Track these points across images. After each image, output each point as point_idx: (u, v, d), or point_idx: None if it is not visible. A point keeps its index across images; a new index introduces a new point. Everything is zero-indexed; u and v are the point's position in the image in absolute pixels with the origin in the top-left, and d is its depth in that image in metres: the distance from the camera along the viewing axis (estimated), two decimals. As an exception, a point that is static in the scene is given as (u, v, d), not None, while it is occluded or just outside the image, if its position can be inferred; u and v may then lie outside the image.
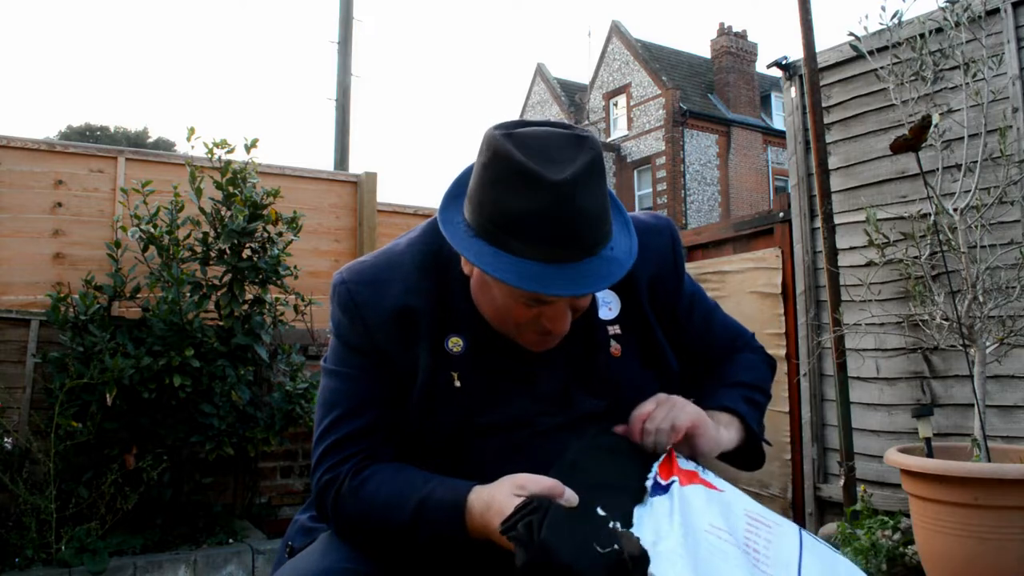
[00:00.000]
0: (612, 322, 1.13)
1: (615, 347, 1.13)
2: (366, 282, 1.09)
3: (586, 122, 24.47)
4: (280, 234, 3.97)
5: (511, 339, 1.07)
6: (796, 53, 3.84)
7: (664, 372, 1.16)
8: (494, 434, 1.07)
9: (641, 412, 1.07)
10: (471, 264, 1.02)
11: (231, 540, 3.68)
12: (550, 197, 0.90)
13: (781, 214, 4.24)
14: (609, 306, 1.14)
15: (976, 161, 2.84)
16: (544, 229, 0.91)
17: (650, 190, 22.75)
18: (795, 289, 4.05)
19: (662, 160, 22.44)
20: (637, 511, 0.94)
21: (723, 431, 1.13)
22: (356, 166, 14.10)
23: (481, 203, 0.95)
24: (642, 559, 0.86)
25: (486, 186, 0.95)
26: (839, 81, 3.79)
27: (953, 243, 2.84)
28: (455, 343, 1.08)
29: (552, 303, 0.98)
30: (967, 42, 2.96)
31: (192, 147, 3.66)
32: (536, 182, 0.90)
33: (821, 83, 3.67)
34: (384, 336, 1.06)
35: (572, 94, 26.84)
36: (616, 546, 0.88)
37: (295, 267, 4.00)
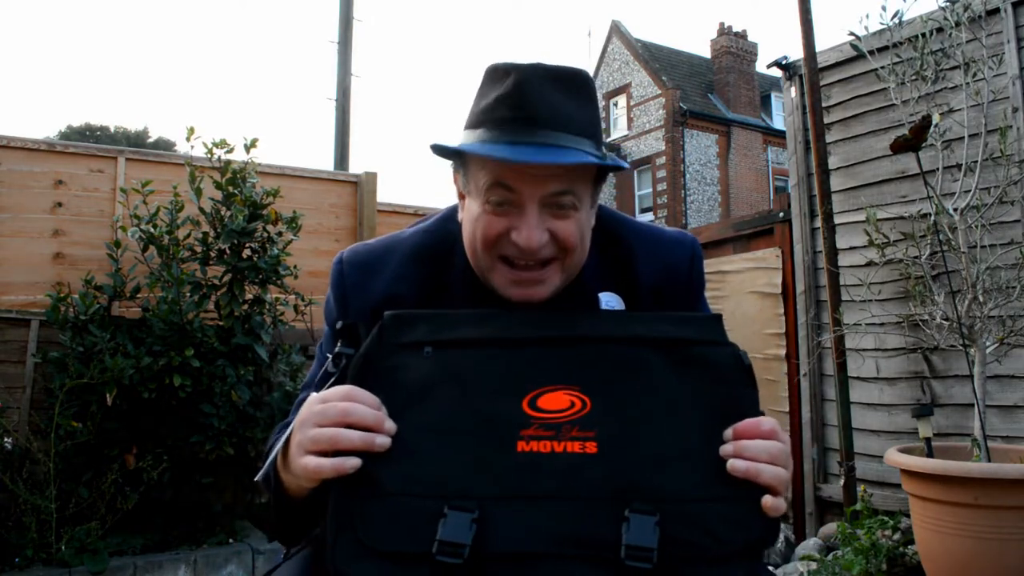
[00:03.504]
0: None
1: None
2: (359, 265, 1.08)
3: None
4: (280, 234, 3.97)
5: (494, 294, 1.01)
6: (796, 53, 3.84)
7: None
8: None
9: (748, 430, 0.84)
10: (463, 198, 1.02)
11: (231, 540, 3.68)
12: (515, 79, 0.94)
13: (781, 214, 4.24)
14: (612, 309, 1.13)
15: (976, 161, 2.84)
16: (506, 108, 0.93)
17: (650, 190, 22.74)
18: (795, 289, 4.05)
19: (662, 160, 22.43)
20: None
21: None
22: (356, 166, 14.10)
23: (470, 111, 0.99)
24: None
25: (475, 98, 0.99)
26: (839, 81, 3.79)
27: (953, 243, 2.84)
28: None
29: (520, 207, 0.95)
30: (967, 42, 2.96)
31: (192, 147, 3.67)
32: (506, 72, 0.95)
33: (821, 83, 3.68)
34: (364, 324, 1.03)
35: (572, 94, 26.76)
36: None
37: (295, 267, 4.00)
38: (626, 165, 1.04)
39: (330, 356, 0.99)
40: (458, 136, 1.01)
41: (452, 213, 1.11)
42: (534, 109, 0.93)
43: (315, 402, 0.84)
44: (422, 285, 1.06)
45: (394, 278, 1.06)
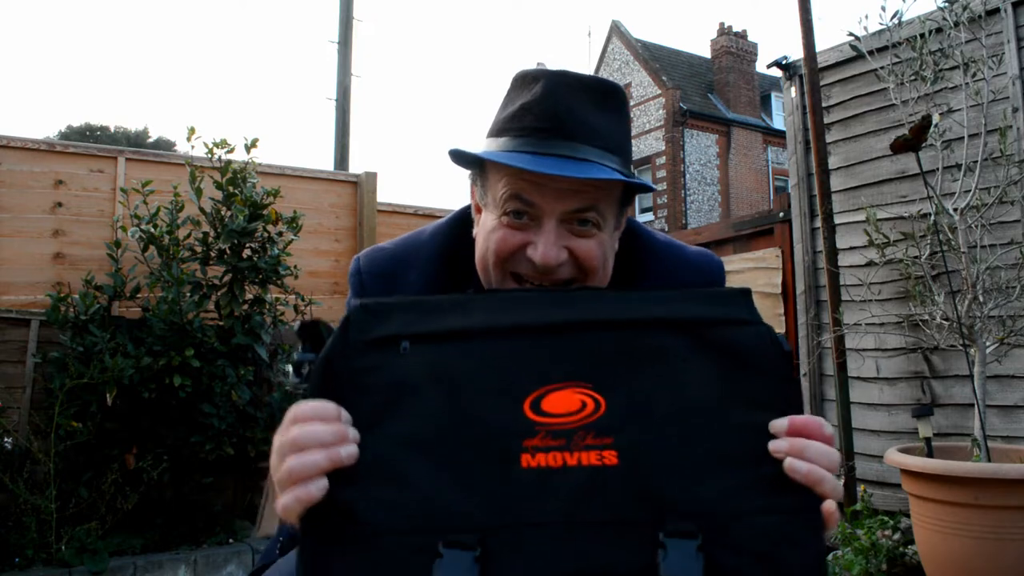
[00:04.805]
0: None
1: None
2: (380, 274, 1.05)
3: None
4: (280, 234, 3.98)
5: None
6: (796, 53, 3.84)
7: None
8: None
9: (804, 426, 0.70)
10: (477, 207, 0.98)
11: (231, 540, 3.68)
12: (543, 87, 0.89)
13: (781, 214, 4.24)
14: None
15: (976, 161, 2.84)
16: (531, 117, 0.89)
17: (650, 190, 22.76)
18: (795, 289, 4.05)
19: (662, 160, 22.43)
20: None
21: None
22: (356, 166, 14.11)
23: (493, 119, 0.95)
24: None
25: (501, 105, 0.95)
26: (839, 81, 3.79)
27: (953, 243, 2.84)
28: None
29: (538, 222, 0.90)
30: (967, 42, 2.96)
31: (192, 147, 3.70)
32: (535, 79, 0.91)
33: (821, 83, 3.68)
34: None
35: (572, 94, 26.76)
36: None
37: (295, 267, 4.00)
38: (654, 187, 0.97)
39: (290, 367, 0.94)
40: (478, 144, 0.96)
41: (467, 214, 1.08)
42: (560, 120, 0.87)
43: (277, 437, 0.73)
44: (444, 289, 1.03)
45: (419, 282, 1.02)
